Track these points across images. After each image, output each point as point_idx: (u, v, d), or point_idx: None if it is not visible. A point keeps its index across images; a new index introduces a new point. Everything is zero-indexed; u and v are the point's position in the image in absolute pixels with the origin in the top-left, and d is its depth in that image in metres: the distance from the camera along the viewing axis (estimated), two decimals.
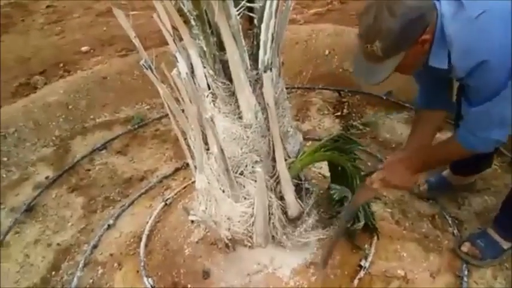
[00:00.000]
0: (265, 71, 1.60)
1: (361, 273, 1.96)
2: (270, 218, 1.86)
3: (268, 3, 1.50)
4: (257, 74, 1.63)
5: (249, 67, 1.61)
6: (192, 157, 1.93)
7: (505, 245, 2.05)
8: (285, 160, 1.78)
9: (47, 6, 5.69)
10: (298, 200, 1.92)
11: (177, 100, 1.81)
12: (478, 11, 1.41)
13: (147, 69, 1.69)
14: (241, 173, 1.80)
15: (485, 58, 1.40)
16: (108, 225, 2.51)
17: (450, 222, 2.27)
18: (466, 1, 1.44)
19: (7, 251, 2.47)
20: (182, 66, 1.70)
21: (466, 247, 2.08)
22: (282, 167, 1.77)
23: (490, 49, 1.41)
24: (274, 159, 1.79)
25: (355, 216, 1.99)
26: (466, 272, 2.03)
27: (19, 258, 2.42)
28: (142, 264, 2.17)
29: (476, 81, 1.49)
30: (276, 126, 1.67)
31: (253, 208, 1.81)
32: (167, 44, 1.75)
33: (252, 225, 1.85)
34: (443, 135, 2.90)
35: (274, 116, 1.64)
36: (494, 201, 2.34)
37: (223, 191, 1.82)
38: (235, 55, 1.52)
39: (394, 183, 1.84)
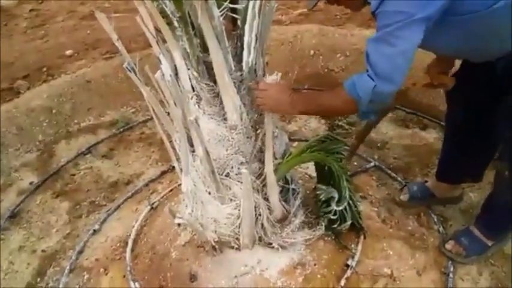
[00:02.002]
0: (249, 72, 1.61)
1: (348, 273, 1.96)
2: (257, 219, 1.86)
3: (251, 4, 1.50)
4: (241, 75, 1.63)
5: (233, 68, 1.61)
6: (178, 160, 1.92)
7: (489, 242, 2.07)
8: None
9: (30, 10, 5.62)
10: (283, 203, 1.92)
11: (161, 102, 1.80)
12: None
13: (130, 71, 1.68)
14: (227, 175, 1.80)
15: None
16: (94, 230, 2.49)
17: (435, 219, 2.29)
18: None
19: None
20: (166, 68, 1.69)
21: (450, 245, 2.10)
22: (269, 169, 1.77)
23: None
24: (260, 160, 1.80)
25: (342, 216, 1.99)
26: (451, 269, 2.05)
27: (3, 265, 2.39)
28: (128, 268, 2.15)
29: (384, 7, 1.42)
30: (270, 128, 1.68)
31: (239, 210, 1.81)
32: (152, 46, 1.75)
33: (239, 226, 1.85)
34: (427, 134, 2.95)
35: (270, 119, 1.65)
36: (479, 199, 2.37)
37: (210, 193, 1.82)
38: (218, 56, 1.52)
39: (267, 102, 1.63)
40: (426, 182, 2.41)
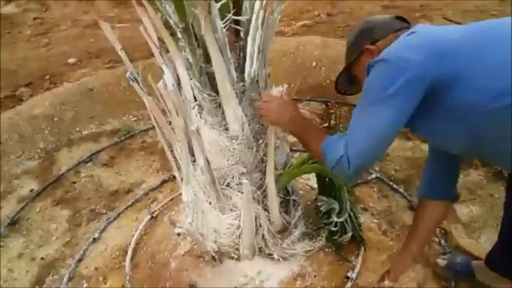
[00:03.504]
0: (251, 83, 1.62)
1: (349, 285, 1.95)
2: (257, 229, 1.86)
3: (254, 16, 1.51)
4: (243, 85, 1.64)
5: (235, 79, 1.62)
6: (179, 169, 1.93)
7: None
8: None
9: (34, 18, 5.68)
10: (283, 214, 1.92)
11: (163, 112, 1.80)
12: (414, 30, 1.35)
13: (132, 81, 1.69)
14: (228, 185, 1.80)
15: (379, 59, 1.28)
16: (94, 239, 2.48)
17: (437, 232, 2.28)
18: (430, 27, 1.40)
19: None
20: (168, 78, 1.70)
21: None
22: (270, 179, 1.77)
23: (386, 53, 1.29)
24: (260, 171, 1.80)
25: (342, 227, 1.99)
26: (453, 283, 2.03)
27: (2, 272, 2.38)
28: (127, 278, 2.14)
29: (366, 79, 1.33)
30: (272, 139, 1.68)
31: (239, 220, 1.80)
32: (154, 56, 1.76)
33: (239, 237, 1.84)
34: None
35: (271, 130, 1.66)
36: (480, 212, 2.37)
37: (210, 203, 1.82)
38: (221, 67, 1.52)
39: (267, 114, 1.60)
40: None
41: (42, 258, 2.44)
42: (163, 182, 2.88)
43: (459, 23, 4.45)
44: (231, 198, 1.82)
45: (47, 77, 4.14)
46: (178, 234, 2.08)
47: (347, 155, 1.31)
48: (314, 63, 3.82)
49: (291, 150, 2.08)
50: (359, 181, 2.65)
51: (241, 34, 1.61)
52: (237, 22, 1.56)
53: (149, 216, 2.51)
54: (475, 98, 1.20)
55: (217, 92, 1.62)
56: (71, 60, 4.41)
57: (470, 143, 1.32)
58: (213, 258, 1.92)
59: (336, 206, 1.97)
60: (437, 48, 1.24)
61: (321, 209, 1.98)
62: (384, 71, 1.27)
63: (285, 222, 1.94)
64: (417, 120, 1.30)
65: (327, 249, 2.04)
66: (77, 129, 3.51)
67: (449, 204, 1.71)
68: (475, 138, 1.29)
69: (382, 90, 1.25)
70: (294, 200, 2.01)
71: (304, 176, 2.44)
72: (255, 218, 1.81)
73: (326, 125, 3.29)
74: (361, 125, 1.33)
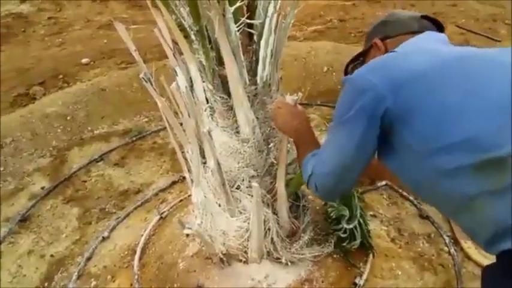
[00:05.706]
0: (263, 87, 1.62)
1: None
2: (266, 233, 1.86)
3: (267, 20, 1.52)
4: (256, 89, 1.64)
5: (248, 82, 1.62)
6: (189, 170, 1.93)
7: None
8: None
9: (49, 18, 5.75)
10: (293, 219, 1.92)
11: (175, 113, 1.82)
12: (398, 49, 1.26)
13: (146, 81, 1.70)
14: (238, 188, 1.81)
15: (348, 77, 1.21)
16: (103, 237, 2.50)
17: (447, 241, 2.27)
18: (425, 40, 1.28)
19: (0, 261, 2.45)
20: (181, 79, 1.71)
21: None
22: (280, 184, 1.77)
23: (356, 71, 1.19)
24: (271, 174, 1.80)
25: (352, 234, 1.99)
26: None
27: (12, 268, 2.40)
28: (136, 277, 2.15)
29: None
30: (285, 143, 1.68)
31: (248, 223, 1.80)
32: (167, 57, 1.77)
33: (248, 240, 1.84)
34: None
35: (284, 136, 1.65)
36: None
37: (219, 205, 1.83)
38: (234, 70, 1.53)
39: (276, 118, 1.56)
40: None
41: (51, 256, 2.46)
42: (173, 183, 2.89)
43: (471, 31, 4.44)
44: (240, 201, 1.82)
45: (60, 76, 4.18)
46: (187, 235, 2.09)
47: (314, 175, 1.28)
48: (325, 68, 3.82)
49: None
50: (369, 188, 2.64)
51: (255, 38, 1.62)
52: (250, 26, 1.57)
53: (158, 217, 2.52)
54: (417, 143, 1.06)
55: (229, 94, 1.63)
56: (84, 60, 4.45)
57: (420, 187, 1.18)
58: (221, 260, 1.93)
59: (346, 212, 1.97)
60: (398, 78, 1.09)
61: (331, 215, 1.98)
62: (347, 91, 1.19)
63: (294, 227, 1.94)
64: (382, 149, 1.18)
65: (335, 255, 2.03)
66: (89, 128, 3.54)
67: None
68: (423, 185, 1.14)
69: (343, 113, 1.18)
70: (303, 205, 2.01)
71: None
72: (264, 222, 1.81)
73: None
74: (326, 146, 1.28)
